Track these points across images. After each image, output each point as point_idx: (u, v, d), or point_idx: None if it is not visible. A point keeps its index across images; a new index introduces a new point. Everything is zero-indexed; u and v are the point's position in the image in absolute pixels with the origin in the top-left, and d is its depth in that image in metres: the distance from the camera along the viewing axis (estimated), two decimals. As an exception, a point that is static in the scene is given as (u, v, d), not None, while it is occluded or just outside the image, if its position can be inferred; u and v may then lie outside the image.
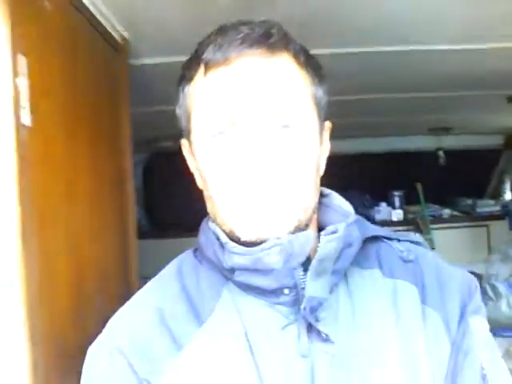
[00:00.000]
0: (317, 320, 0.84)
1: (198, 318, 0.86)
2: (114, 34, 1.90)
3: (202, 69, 0.86)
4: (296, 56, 0.87)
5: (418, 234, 1.01)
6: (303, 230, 0.84)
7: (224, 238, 0.85)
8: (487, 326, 0.90)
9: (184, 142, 0.95)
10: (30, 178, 1.17)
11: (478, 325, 0.90)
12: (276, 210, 0.82)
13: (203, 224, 0.94)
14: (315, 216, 0.91)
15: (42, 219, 1.24)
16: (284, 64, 0.86)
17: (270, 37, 0.83)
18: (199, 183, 0.93)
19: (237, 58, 0.83)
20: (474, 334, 0.88)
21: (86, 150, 1.58)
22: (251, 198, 0.82)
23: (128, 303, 0.92)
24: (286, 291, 0.84)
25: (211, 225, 0.90)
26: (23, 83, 1.16)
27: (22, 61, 1.16)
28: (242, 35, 0.82)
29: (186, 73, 0.89)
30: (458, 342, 0.88)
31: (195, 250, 0.96)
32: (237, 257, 0.83)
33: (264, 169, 0.81)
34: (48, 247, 1.28)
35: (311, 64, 0.89)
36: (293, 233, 0.83)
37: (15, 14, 1.14)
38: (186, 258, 0.96)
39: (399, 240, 0.98)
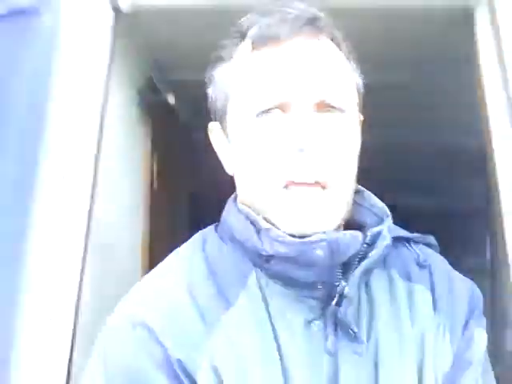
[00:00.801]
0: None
1: (226, 301, 0.84)
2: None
3: (247, 47, 0.85)
4: (340, 44, 0.88)
5: (431, 236, 1.00)
6: (339, 228, 0.84)
7: (265, 224, 0.82)
8: (486, 339, 0.92)
9: (214, 125, 0.92)
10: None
11: (481, 338, 0.91)
12: (323, 203, 0.80)
13: (230, 204, 0.91)
14: None
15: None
16: (331, 49, 0.85)
17: (317, 21, 0.84)
18: (229, 168, 0.90)
19: (287, 38, 0.82)
20: (477, 346, 0.90)
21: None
22: (298, 187, 0.80)
23: (153, 275, 0.89)
24: (320, 286, 0.82)
25: (244, 208, 0.86)
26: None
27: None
28: (292, 16, 0.82)
29: (225, 52, 0.88)
30: (460, 351, 0.89)
31: (216, 228, 0.93)
32: (279, 245, 0.81)
33: (314, 155, 0.79)
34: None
35: (351, 52, 0.90)
36: (336, 229, 0.82)
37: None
38: (209, 235, 0.92)
39: (415, 242, 0.97)
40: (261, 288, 0.84)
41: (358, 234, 0.82)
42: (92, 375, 0.82)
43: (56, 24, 1.59)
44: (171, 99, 2.33)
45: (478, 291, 0.96)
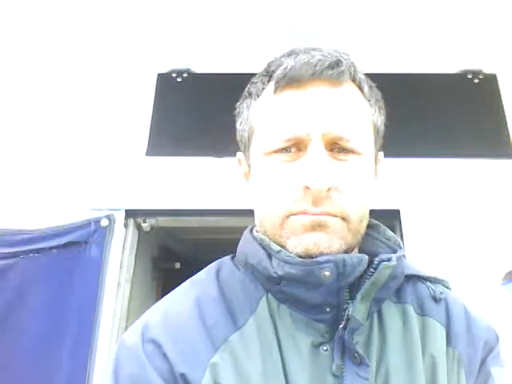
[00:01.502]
0: (354, 338, 0.85)
1: (235, 324, 0.86)
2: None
3: (271, 87, 0.90)
4: (361, 86, 0.91)
5: (448, 281, 1.01)
6: (346, 252, 0.85)
7: (276, 247, 0.85)
8: (508, 379, 0.92)
9: (240, 156, 0.98)
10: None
11: (499, 375, 0.91)
12: (329, 232, 0.83)
13: (247, 233, 0.95)
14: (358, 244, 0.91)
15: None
16: (350, 92, 0.89)
17: (339, 65, 0.87)
18: (251, 196, 0.94)
19: (308, 82, 0.86)
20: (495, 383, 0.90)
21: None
22: (307, 219, 0.83)
23: (167, 298, 0.92)
24: (328, 309, 0.85)
25: (258, 234, 0.91)
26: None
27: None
28: (315, 60, 0.86)
29: (253, 88, 0.93)
30: None
31: (233, 257, 0.96)
32: (289, 266, 0.83)
33: (324, 193, 0.82)
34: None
35: (373, 94, 0.93)
36: (344, 253, 0.84)
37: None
38: (224, 263, 0.96)
39: (432, 281, 0.98)
40: (271, 311, 0.87)
41: (364, 256, 0.84)
42: None
43: (100, 253, 2.12)
44: (177, 265, 2.86)
45: (495, 331, 0.96)
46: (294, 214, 0.84)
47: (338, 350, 0.84)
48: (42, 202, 2.32)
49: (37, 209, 2.29)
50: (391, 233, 0.94)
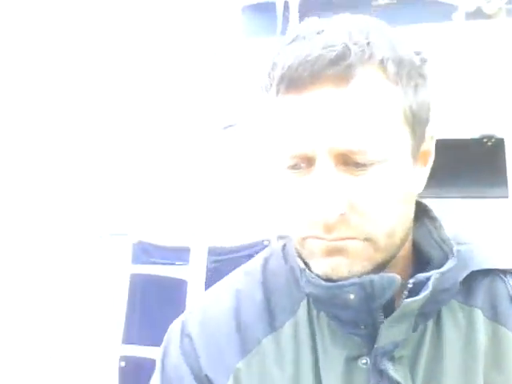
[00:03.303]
0: (392, 359, 0.77)
1: (270, 325, 0.82)
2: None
3: (273, 88, 0.75)
4: (382, 67, 0.73)
5: None
6: (385, 265, 0.76)
7: (302, 265, 0.79)
8: None
9: None
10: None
11: None
12: (350, 256, 0.74)
13: None
14: (406, 249, 0.81)
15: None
16: (365, 86, 0.72)
17: (346, 56, 0.70)
18: None
19: (308, 85, 0.71)
20: None
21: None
22: (322, 244, 0.74)
23: (211, 291, 0.90)
24: (362, 326, 0.77)
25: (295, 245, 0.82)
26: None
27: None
28: (314, 55, 0.70)
29: (263, 81, 0.78)
30: None
31: (284, 247, 0.88)
32: (313, 287, 0.77)
33: (334, 219, 0.72)
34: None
35: (404, 70, 0.74)
36: (373, 272, 0.75)
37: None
38: (274, 251, 0.88)
39: None
40: (310, 316, 0.81)
41: (396, 277, 0.74)
42: (154, 375, 0.87)
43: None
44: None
45: None
46: (310, 237, 0.75)
47: (375, 367, 0.77)
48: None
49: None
50: (446, 234, 0.82)
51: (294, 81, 0.72)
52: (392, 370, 0.76)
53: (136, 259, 3.10)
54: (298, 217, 0.75)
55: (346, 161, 0.72)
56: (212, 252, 2.98)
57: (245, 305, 0.83)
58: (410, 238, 0.81)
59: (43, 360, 3.32)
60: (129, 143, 3.39)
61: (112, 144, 3.40)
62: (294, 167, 0.74)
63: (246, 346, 0.80)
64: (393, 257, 0.77)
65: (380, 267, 0.76)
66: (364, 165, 0.72)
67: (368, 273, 0.74)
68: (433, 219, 0.84)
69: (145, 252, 3.11)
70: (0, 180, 3.51)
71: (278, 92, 0.75)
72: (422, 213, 0.83)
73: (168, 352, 0.85)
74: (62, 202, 3.46)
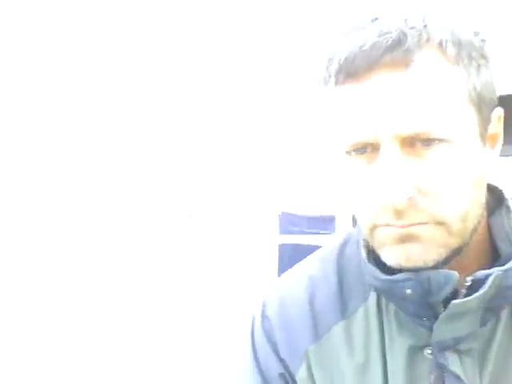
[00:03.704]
0: (457, 351, 0.76)
1: (342, 311, 0.82)
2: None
3: (332, 79, 0.75)
4: (441, 49, 0.71)
5: None
6: (459, 253, 0.74)
7: (363, 255, 0.79)
8: None
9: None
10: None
11: None
12: (423, 242, 0.71)
13: None
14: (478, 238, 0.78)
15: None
16: (424, 69, 0.71)
17: (402, 42, 0.70)
18: None
19: (366, 74, 0.71)
20: None
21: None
22: (394, 231, 0.72)
23: (288, 275, 0.90)
24: (425, 318, 0.76)
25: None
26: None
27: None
28: (369, 45, 0.70)
29: (322, 73, 0.77)
30: None
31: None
32: (372, 279, 0.77)
33: (403, 204, 0.70)
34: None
35: (464, 51, 0.72)
36: (442, 262, 0.72)
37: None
38: (352, 235, 0.88)
39: None
40: (379, 304, 0.81)
41: (454, 274, 0.72)
42: (244, 346, 0.89)
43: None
44: None
45: None
46: (380, 226, 0.73)
47: (439, 355, 0.76)
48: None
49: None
50: None
51: (352, 70, 0.71)
52: (453, 363, 0.75)
53: (283, 229, 3.20)
54: (366, 204, 0.74)
55: (411, 143, 0.70)
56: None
57: (319, 291, 0.84)
58: (485, 227, 0.79)
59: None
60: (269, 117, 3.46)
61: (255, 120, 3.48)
62: (358, 152, 0.73)
63: (317, 332, 0.82)
64: (466, 243, 0.75)
65: (455, 254, 0.73)
66: (429, 144, 0.70)
67: (443, 261, 0.72)
68: (508, 209, 0.80)
69: (291, 223, 3.19)
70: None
71: (336, 82, 0.74)
72: (498, 201, 0.81)
73: (254, 329, 0.88)
74: (214, 177, 3.59)
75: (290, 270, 0.91)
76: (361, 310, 0.82)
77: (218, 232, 3.53)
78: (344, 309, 0.83)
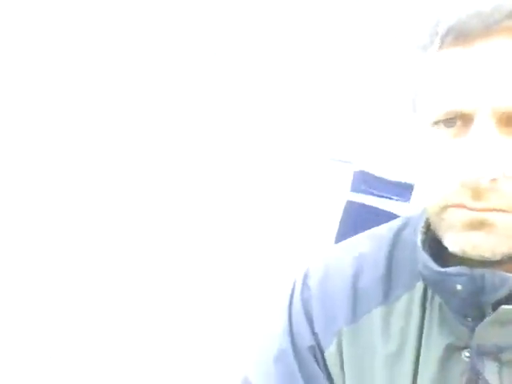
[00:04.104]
0: (497, 360, 0.72)
1: (385, 296, 0.79)
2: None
3: (436, 43, 0.70)
4: None
5: None
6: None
7: (419, 242, 0.75)
8: None
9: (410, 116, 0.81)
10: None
11: None
12: (495, 232, 0.67)
13: None
14: None
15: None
16: None
17: None
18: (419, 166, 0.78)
19: (480, 37, 0.66)
20: None
21: None
22: (466, 215, 0.67)
23: (338, 248, 0.88)
24: (469, 319, 0.71)
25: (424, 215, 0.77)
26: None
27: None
28: (488, 8, 0.65)
29: (420, 37, 0.73)
30: None
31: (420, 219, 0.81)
32: (423, 268, 0.73)
33: (485, 185, 0.65)
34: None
35: None
36: (508, 258, 0.68)
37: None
38: (411, 220, 0.84)
39: None
40: (424, 296, 0.78)
41: (509, 278, 0.68)
42: (282, 307, 0.87)
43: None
44: None
45: None
46: (453, 206, 0.68)
47: (474, 364, 0.72)
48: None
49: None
50: None
51: (464, 33, 0.67)
52: (491, 371, 0.71)
53: (355, 187, 3.13)
54: (444, 180, 0.68)
55: (509, 122, 0.66)
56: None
57: (365, 271, 0.82)
58: None
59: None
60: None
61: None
62: (447, 123, 0.68)
63: (356, 313, 0.80)
64: None
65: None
66: None
67: (508, 257, 0.68)
68: None
69: (365, 182, 3.11)
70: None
71: (441, 46, 0.69)
72: None
73: (293, 296, 0.85)
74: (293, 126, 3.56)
75: (340, 243, 0.89)
76: (404, 298, 0.79)
77: (291, 178, 3.52)
78: (387, 294, 0.80)
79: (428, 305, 0.77)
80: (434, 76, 0.71)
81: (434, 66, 0.71)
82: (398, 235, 0.83)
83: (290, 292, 0.85)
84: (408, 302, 0.78)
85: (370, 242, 0.85)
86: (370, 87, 3.41)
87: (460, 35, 0.67)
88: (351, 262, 0.83)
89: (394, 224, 0.86)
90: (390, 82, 3.26)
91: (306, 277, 0.85)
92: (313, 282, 0.84)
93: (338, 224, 3.05)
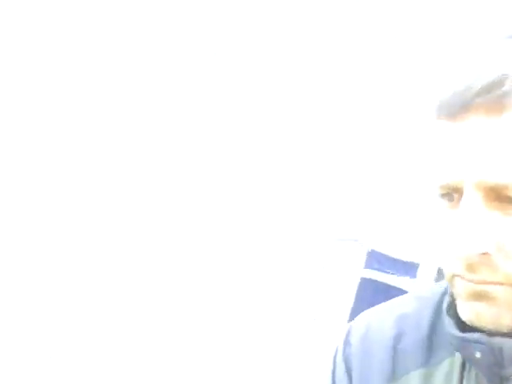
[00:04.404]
0: None
1: (426, 359, 0.77)
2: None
3: (435, 112, 0.72)
4: None
5: None
6: None
7: (445, 303, 0.75)
8: None
9: None
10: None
11: None
12: (497, 304, 0.66)
13: None
14: None
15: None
16: None
17: (501, 83, 0.65)
18: None
19: (459, 114, 0.67)
20: None
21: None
22: (466, 285, 0.67)
23: (380, 307, 0.87)
24: None
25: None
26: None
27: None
28: (466, 84, 0.66)
29: (427, 106, 0.75)
30: None
31: None
32: (448, 333, 0.72)
33: (477, 258, 0.65)
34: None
35: None
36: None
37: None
38: None
39: None
40: (463, 365, 0.75)
41: None
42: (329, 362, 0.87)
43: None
44: None
45: None
46: (457, 276, 0.69)
47: None
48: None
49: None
50: None
51: (446, 110, 0.68)
52: None
53: (368, 265, 3.30)
54: (446, 252, 0.69)
55: (498, 196, 0.65)
56: (441, 271, 3.02)
57: (408, 331, 0.79)
58: None
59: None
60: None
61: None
62: (447, 197, 0.69)
63: (395, 373, 0.78)
64: None
65: None
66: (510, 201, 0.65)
67: None
68: None
69: (377, 260, 3.28)
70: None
71: (437, 118, 0.71)
72: None
73: (336, 355, 0.85)
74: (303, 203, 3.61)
75: (385, 303, 0.87)
76: (446, 363, 0.76)
77: (301, 256, 3.55)
78: (429, 356, 0.77)
79: (466, 372, 0.74)
80: (431, 147, 0.72)
81: (431, 136, 0.72)
82: (442, 298, 0.80)
83: (333, 353, 0.86)
84: (450, 367, 0.75)
85: (414, 303, 0.82)
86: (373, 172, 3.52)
87: (443, 113, 0.69)
88: (394, 321, 0.81)
89: (439, 287, 0.83)
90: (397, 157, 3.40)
91: (348, 334, 0.84)
92: (354, 339, 0.83)
93: (352, 300, 3.18)
